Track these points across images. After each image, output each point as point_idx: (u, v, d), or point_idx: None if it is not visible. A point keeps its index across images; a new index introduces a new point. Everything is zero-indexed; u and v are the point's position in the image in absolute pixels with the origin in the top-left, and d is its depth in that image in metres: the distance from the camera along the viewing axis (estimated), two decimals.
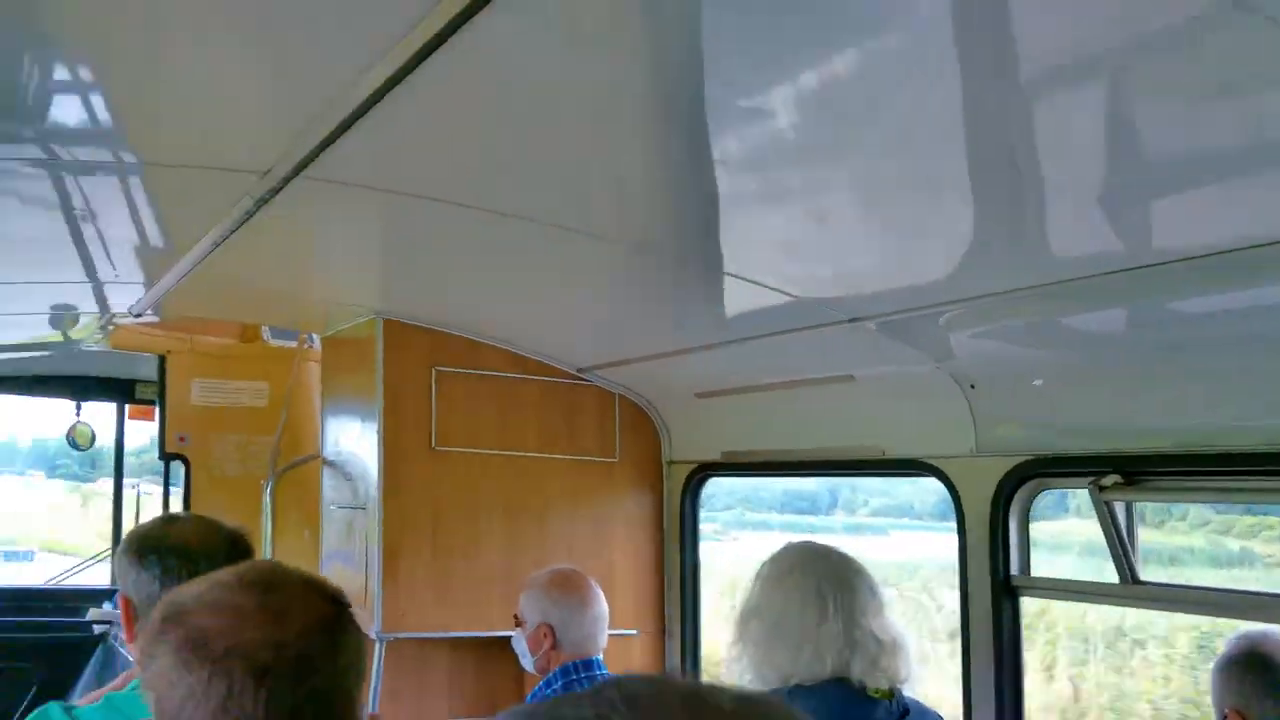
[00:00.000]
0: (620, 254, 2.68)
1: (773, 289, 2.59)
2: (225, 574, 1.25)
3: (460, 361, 3.86)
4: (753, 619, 2.38)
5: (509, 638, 3.17)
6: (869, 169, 1.92)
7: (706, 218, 2.36)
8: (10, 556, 9.33)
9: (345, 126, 1.88)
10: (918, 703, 2.34)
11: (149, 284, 3.82)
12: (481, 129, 1.98)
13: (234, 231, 2.68)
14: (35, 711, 1.93)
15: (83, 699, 2.17)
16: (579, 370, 3.97)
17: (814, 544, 2.48)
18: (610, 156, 2.10)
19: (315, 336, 5.00)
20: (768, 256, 2.50)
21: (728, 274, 2.65)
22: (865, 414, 3.21)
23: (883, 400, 3.12)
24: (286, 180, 2.23)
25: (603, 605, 3.12)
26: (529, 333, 3.81)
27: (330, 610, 1.24)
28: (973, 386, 2.76)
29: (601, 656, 3.10)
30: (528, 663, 3.14)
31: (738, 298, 2.83)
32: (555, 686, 3.04)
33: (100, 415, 6.82)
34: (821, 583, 2.33)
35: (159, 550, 1.97)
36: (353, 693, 1.23)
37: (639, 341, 3.55)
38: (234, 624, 1.15)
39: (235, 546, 2.04)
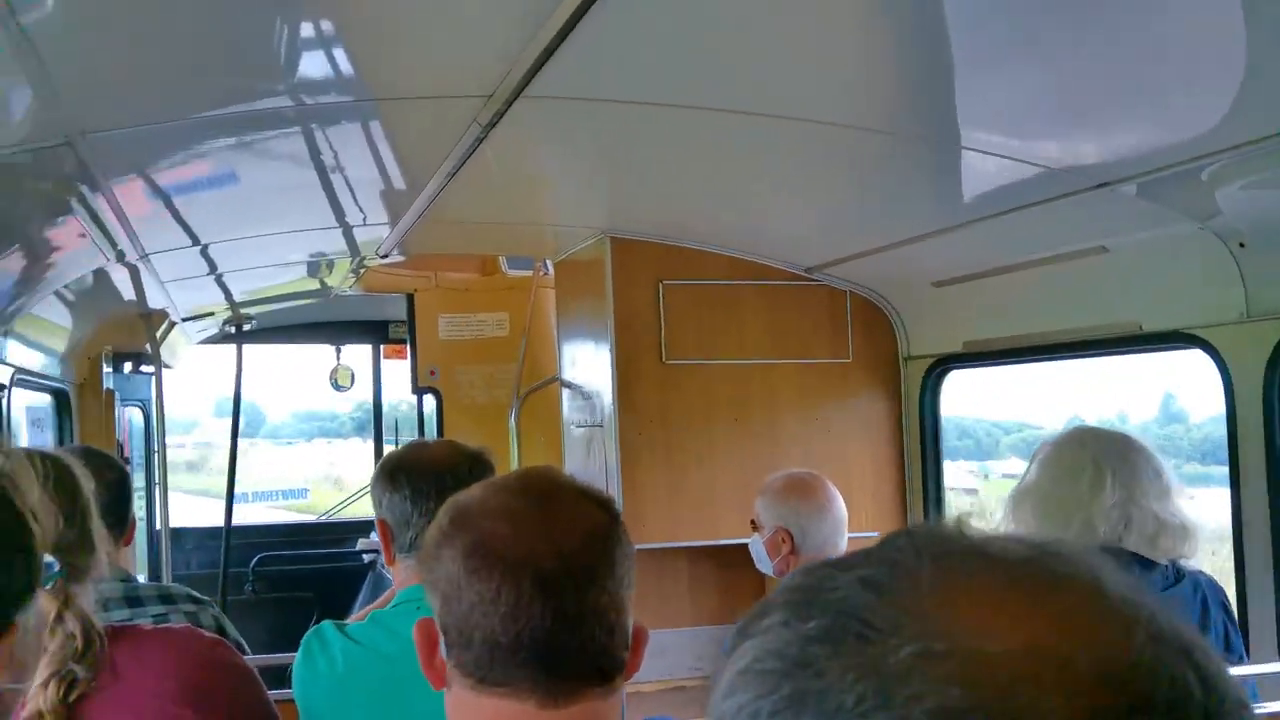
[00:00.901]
0: (850, 140, 2.60)
1: (1016, 160, 2.45)
2: (508, 479, 1.27)
3: (686, 273, 3.88)
4: (1026, 498, 2.31)
5: (746, 545, 3.21)
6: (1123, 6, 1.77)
7: (942, 90, 2.25)
8: (288, 494, 10.19)
9: (561, 37, 1.89)
10: (1197, 571, 2.22)
11: (392, 224, 4.04)
12: (700, 25, 1.96)
13: (465, 160, 2.77)
14: (311, 630, 2.07)
15: (351, 618, 2.34)
16: (807, 270, 3.92)
17: (1097, 426, 2.38)
18: (837, 34, 2.02)
19: (549, 263, 5.16)
20: (1010, 124, 2.36)
21: (966, 148, 2.53)
22: (1119, 288, 3.01)
23: (1138, 271, 2.92)
24: (509, 101, 2.28)
25: (841, 508, 3.10)
26: (754, 236, 3.78)
27: (605, 519, 1.24)
28: (1242, 245, 2.54)
29: None
30: (766, 567, 3.16)
31: (977, 174, 2.70)
32: None
33: (358, 356, 7.32)
34: (1099, 456, 2.23)
35: (408, 472, 2.08)
36: (627, 603, 1.23)
37: (870, 233, 3.45)
38: (520, 533, 1.17)
39: (477, 463, 2.13)
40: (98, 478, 2.23)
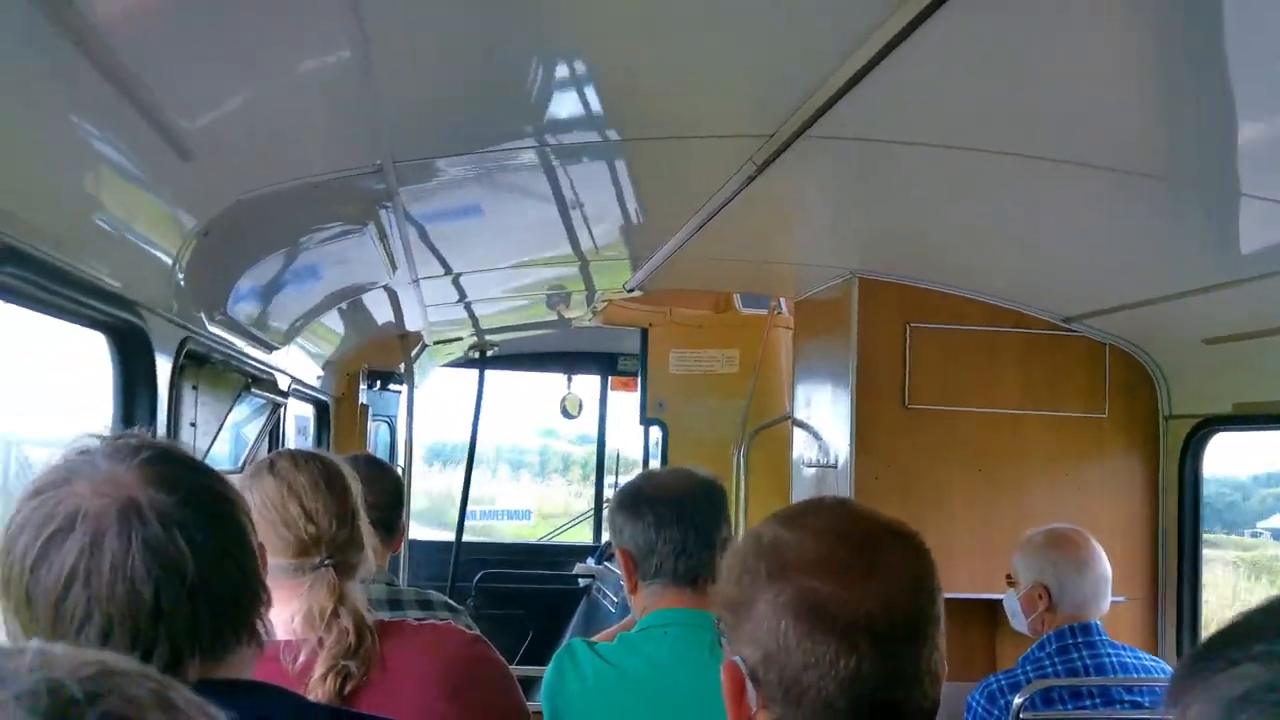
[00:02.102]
0: (1120, 185, 2.51)
1: None
2: (818, 519, 1.23)
3: (935, 317, 3.82)
4: None
5: (980, 600, 3.10)
6: None
7: (1223, 133, 2.15)
8: (512, 515, 10.57)
9: (857, 79, 1.91)
10: None
11: (638, 260, 4.17)
12: (987, 75, 1.95)
13: (730, 200, 2.84)
14: (563, 647, 2.13)
15: (598, 636, 2.39)
16: (1065, 320, 3.78)
17: None
18: (1116, 77, 1.97)
19: (784, 302, 5.18)
20: None
21: (1247, 195, 2.39)
22: None
23: None
24: (790, 142, 2.32)
25: (1104, 566, 2.97)
26: (1011, 282, 3.68)
27: (925, 562, 1.22)
28: None
29: (1101, 621, 2.96)
30: (1020, 623, 3.06)
31: (1261, 224, 2.55)
32: (1049, 650, 2.94)
33: (586, 387, 7.55)
34: None
35: (650, 501, 2.12)
36: (942, 647, 1.20)
37: (1138, 284, 3.30)
38: (852, 592, 1.14)
39: (711, 491, 2.18)
40: (377, 485, 2.39)
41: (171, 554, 1.09)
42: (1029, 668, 2.90)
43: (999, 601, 3.30)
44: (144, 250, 2.25)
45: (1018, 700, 2.66)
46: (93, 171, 1.92)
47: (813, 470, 4.29)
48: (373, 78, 1.92)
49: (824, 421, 4.16)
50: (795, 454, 4.57)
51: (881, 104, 2.09)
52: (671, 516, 2.10)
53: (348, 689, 1.73)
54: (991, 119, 2.23)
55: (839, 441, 3.96)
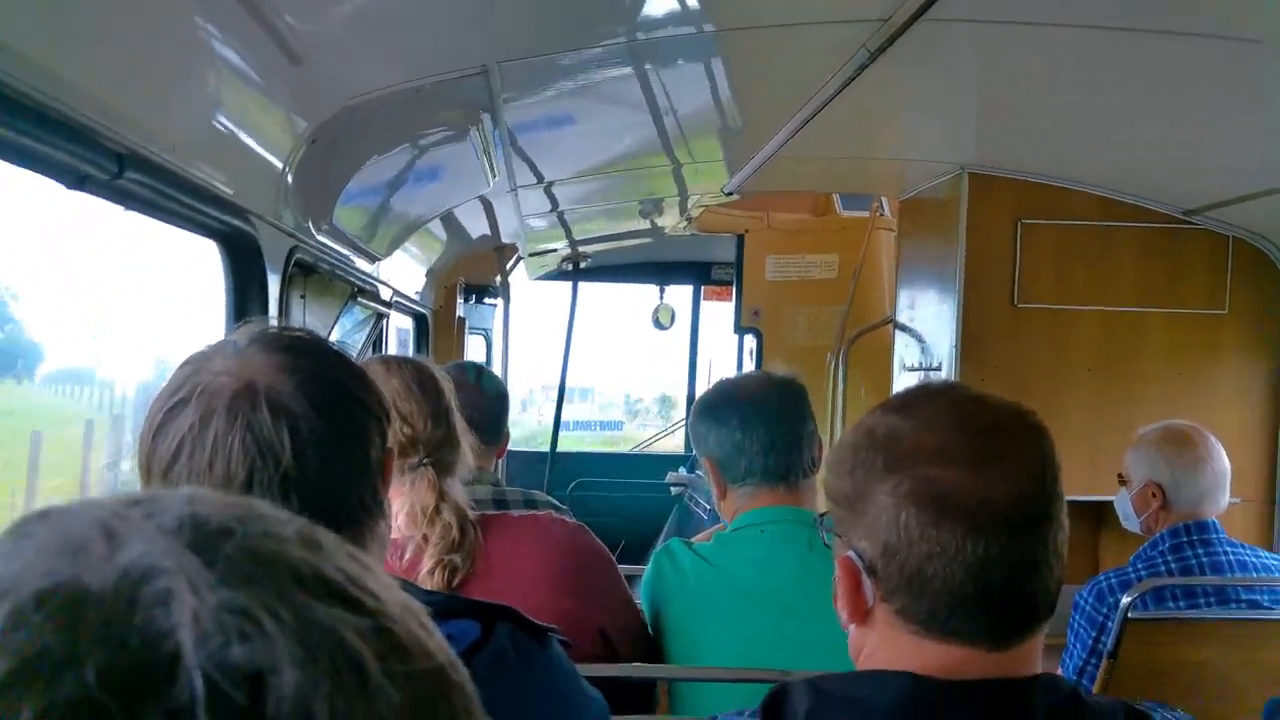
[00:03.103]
0: (1250, 61, 2.36)
1: None
2: (933, 408, 1.19)
3: (1048, 212, 3.69)
4: None
5: (1086, 503, 3.03)
6: None
7: None
8: (605, 425, 10.70)
9: None
10: None
11: (732, 165, 4.09)
12: None
13: (838, 93, 2.74)
14: (660, 547, 2.15)
15: (697, 537, 2.40)
16: (1185, 213, 3.62)
17: None
18: None
19: (886, 203, 5.06)
20: None
21: None
22: None
23: None
24: (907, 25, 2.22)
25: (1222, 463, 2.87)
26: (1129, 173, 3.52)
27: (1046, 442, 1.17)
28: None
29: (1217, 519, 2.87)
30: (1132, 524, 2.98)
31: None
32: (1162, 549, 2.87)
33: (678, 297, 7.52)
34: None
35: (735, 405, 2.11)
36: (1066, 525, 1.17)
37: (1265, 172, 3.14)
38: (977, 478, 1.11)
39: (791, 388, 2.15)
40: (481, 391, 2.41)
41: (270, 440, 1.07)
42: (1140, 566, 2.83)
43: (1106, 504, 3.23)
44: (255, 156, 2.27)
45: (1126, 599, 2.60)
46: (207, 77, 1.93)
47: (915, 375, 4.22)
48: None
49: (927, 324, 4.08)
50: (896, 359, 4.50)
51: None
52: (756, 417, 2.08)
53: (455, 581, 1.78)
54: None
55: (942, 344, 3.88)
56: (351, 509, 1.15)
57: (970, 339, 3.74)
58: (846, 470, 1.20)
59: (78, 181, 1.59)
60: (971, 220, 3.70)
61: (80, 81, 1.50)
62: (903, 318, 4.39)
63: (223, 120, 2.07)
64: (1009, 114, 3.20)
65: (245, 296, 2.40)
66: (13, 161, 1.50)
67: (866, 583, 1.16)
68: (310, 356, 1.16)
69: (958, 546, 1.10)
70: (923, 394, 1.24)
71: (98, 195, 1.68)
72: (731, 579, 2.01)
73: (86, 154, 1.52)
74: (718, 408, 2.14)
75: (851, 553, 1.17)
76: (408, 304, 4.72)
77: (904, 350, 4.39)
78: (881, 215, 5.20)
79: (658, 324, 7.37)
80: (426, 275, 5.06)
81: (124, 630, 0.36)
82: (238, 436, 1.07)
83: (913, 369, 4.24)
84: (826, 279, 5.84)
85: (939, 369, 3.93)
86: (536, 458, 7.30)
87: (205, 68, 1.91)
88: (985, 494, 1.11)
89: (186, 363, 1.13)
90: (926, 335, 4.09)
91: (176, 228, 2.10)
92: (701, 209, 5.31)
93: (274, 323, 1.20)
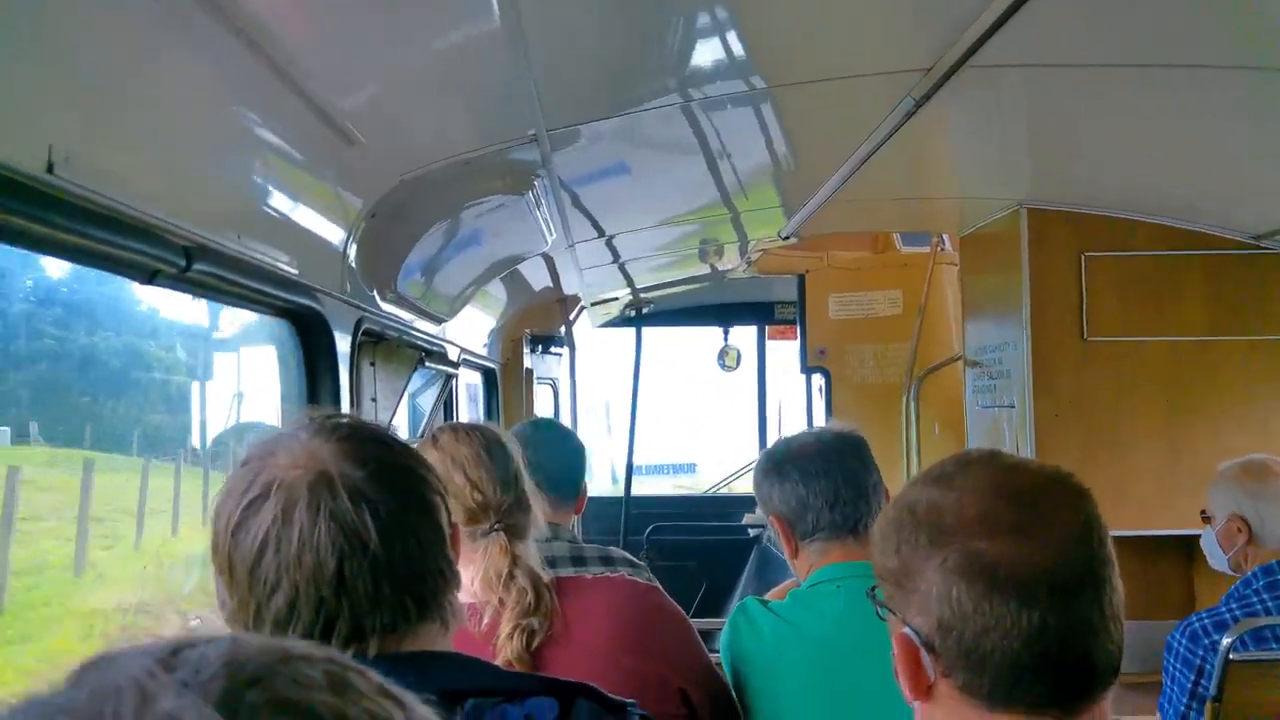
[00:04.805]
0: None
1: None
2: (974, 477, 1.19)
3: (1111, 244, 3.64)
4: None
5: (1173, 537, 2.95)
6: None
7: None
8: (678, 469, 10.66)
9: (1019, 3, 1.82)
10: None
11: (789, 209, 4.10)
12: None
13: (888, 139, 2.75)
14: (736, 607, 2.13)
15: (770, 594, 2.38)
16: (1256, 238, 3.54)
17: None
18: None
19: (946, 238, 5.02)
20: None
21: None
22: None
23: None
24: (950, 73, 2.22)
25: None
26: (1193, 202, 3.46)
27: (1088, 505, 1.17)
28: None
29: None
30: (1219, 562, 2.90)
31: None
32: (1257, 587, 2.78)
33: (742, 338, 7.52)
34: None
35: (790, 459, 2.11)
36: (1120, 587, 1.17)
37: None
38: (1023, 548, 1.11)
39: (848, 440, 2.13)
40: (558, 449, 2.44)
41: (355, 527, 1.11)
42: (1235, 605, 2.75)
43: (1195, 539, 3.14)
44: (316, 236, 2.34)
45: (1226, 640, 2.52)
46: (267, 165, 2.00)
47: (988, 411, 4.16)
48: (524, 48, 1.93)
49: (998, 360, 4.03)
50: (968, 396, 4.45)
51: (1048, 25, 1.98)
52: (816, 469, 2.08)
53: (534, 645, 1.80)
54: (1169, 30, 2.07)
55: (1015, 380, 3.83)
56: (432, 583, 1.18)
57: (1042, 375, 3.69)
58: (892, 548, 1.20)
59: (148, 277, 1.66)
60: (1033, 255, 3.66)
61: (145, 183, 1.57)
62: (972, 354, 4.34)
63: (284, 204, 2.14)
64: (1063, 150, 3.17)
65: (316, 369, 2.47)
66: (87, 264, 1.57)
67: (926, 659, 1.15)
68: (371, 442, 1.20)
69: (1012, 619, 1.09)
70: (961, 464, 1.23)
71: (168, 288, 1.75)
72: (809, 637, 2.00)
73: (155, 251, 1.58)
74: (778, 464, 2.13)
75: (907, 630, 1.17)
76: (475, 360, 4.79)
77: (976, 387, 4.34)
78: (943, 250, 5.16)
79: (724, 366, 7.37)
80: (492, 331, 5.14)
81: None
82: (323, 526, 1.10)
83: (986, 407, 4.18)
84: (891, 315, 5.80)
85: (1012, 405, 3.88)
86: (610, 504, 7.30)
87: (264, 157, 1.98)
88: (1033, 563, 1.10)
89: (249, 459, 1.17)
90: (997, 372, 4.04)
91: (245, 310, 2.18)
92: (761, 252, 5.32)
93: (323, 411, 1.23)
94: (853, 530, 2.07)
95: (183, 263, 1.67)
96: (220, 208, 1.86)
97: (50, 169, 1.28)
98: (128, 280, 1.70)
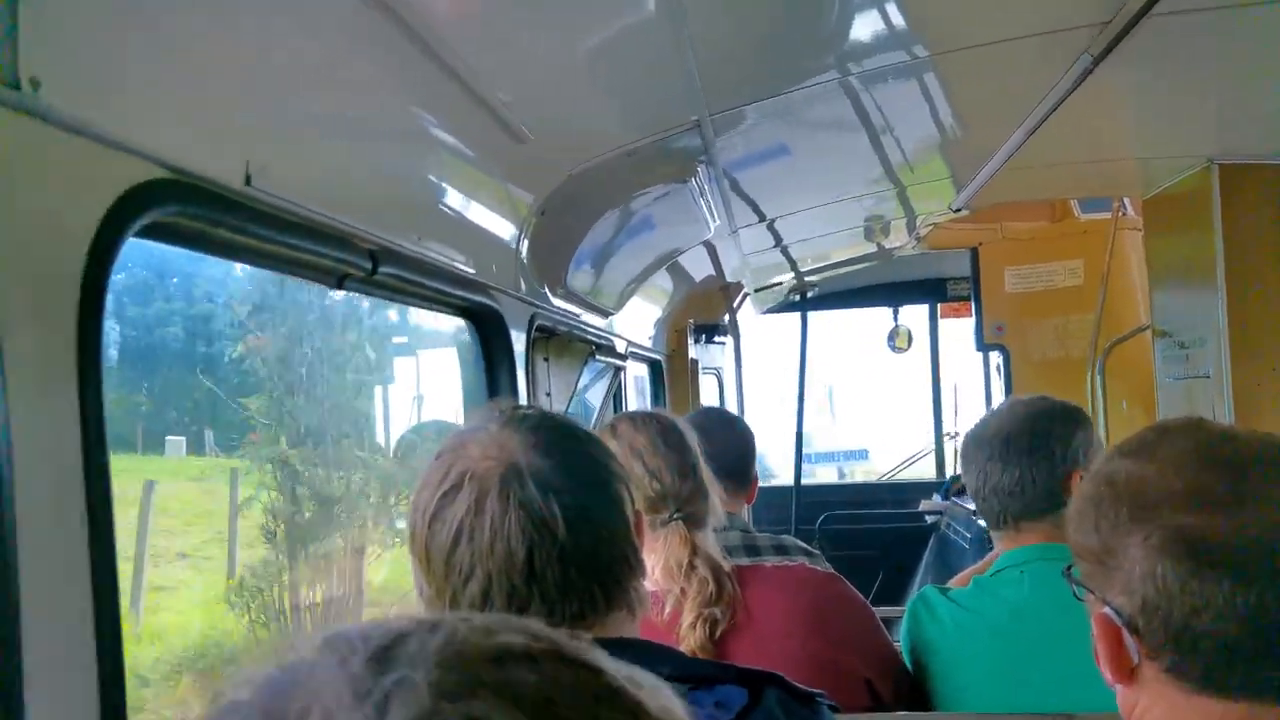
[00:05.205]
0: None
1: None
2: (1175, 449, 1.12)
3: None
4: None
5: None
6: None
7: None
8: (850, 456, 10.49)
9: None
10: None
11: (958, 180, 3.97)
12: None
13: (1062, 101, 2.63)
14: (916, 595, 2.08)
15: (952, 581, 2.30)
16: None
17: None
18: None
19: (1129, 202, 4.77)
20: None
21: None
22: None
23: None
24: (1130, 25, 2.11)
25: None
26: None
27: None
28: None
29: None
30: None
31: None
32: None
33: (913, 317, 7.34)
34: None
35: (980, 444, 2.03)
36: None
37: None
38: (1232, 521, 1.04)
39: (1038, 418, 2.02)
40: (728, 438, 2.43)
41: (544, 516, 1.13)
42: None
43: None
44: (490, 235, 2.41)
45: None
46: (443, 167, 2.07)
47: (1180, 383, 3.93)
48: (685, 30, 1.93)
49: (1190, 329, 3.80)
50: (1158, 367, 4.21)
51: None
52: (1003, 454, 1.99)
53: (717, 634, 1.79)
54: None
55: (1210, 349, 3.60)
56: (619, 570, 1.20)
57: (1240, 341, 3.46)
58: (1090, 525, 1.15)
59: (338, 282, 1.74)
60: (1227, 214, 3.43)
61: (333, 191, 1.64)
62: (1161, 323, 4.10)
63: (460, 205, 2.21)
64: (1257, 99, 2.96)
65: (495, 367, 2.54)
66: (281, 271, 1.66)
67: (1129, 641, 1.10)
68: (558, 433, 1.22)
69: (1225, 598, 1.03)
70: (1161, 433, 1.17)
71: (355, 292, 1.83)
72: (991, 624, 1.94)
73: (344, 256, 1.66)
74: (969, 449, 2.07)
75: (1108, 609, 1.11)
76: (642, 352, 4.84)
77: (1166, 358, 4.11)
78: (1125, 215, 4.90)
79: (894, 347, 7.20)
80: (656, 322, 5.18)
81: None
82: (513, 516, 1.13)
83: (1179, 378, 3.95)
84: (1072, 286, 5.54)
85: (1208, 376, 3.65)
86: (780, 493, 7.24)
87: (440, 159, 2.05)
88: (1246, 537, 1.03)
89: (442, 452, 1.21)
90: (1190, 341, 3.81)
91: (426, 310, 2.26)
92: (930, 226, 5.17)
93: (511, 403, 1.26)
94: (1043, 513, 1.98)
95: (369, 266, 1.75)
96: (401, 211, 1.93)
97: (248, 181, 1.36)
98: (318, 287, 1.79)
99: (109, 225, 1.12)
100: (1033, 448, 1.98)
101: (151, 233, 1.24)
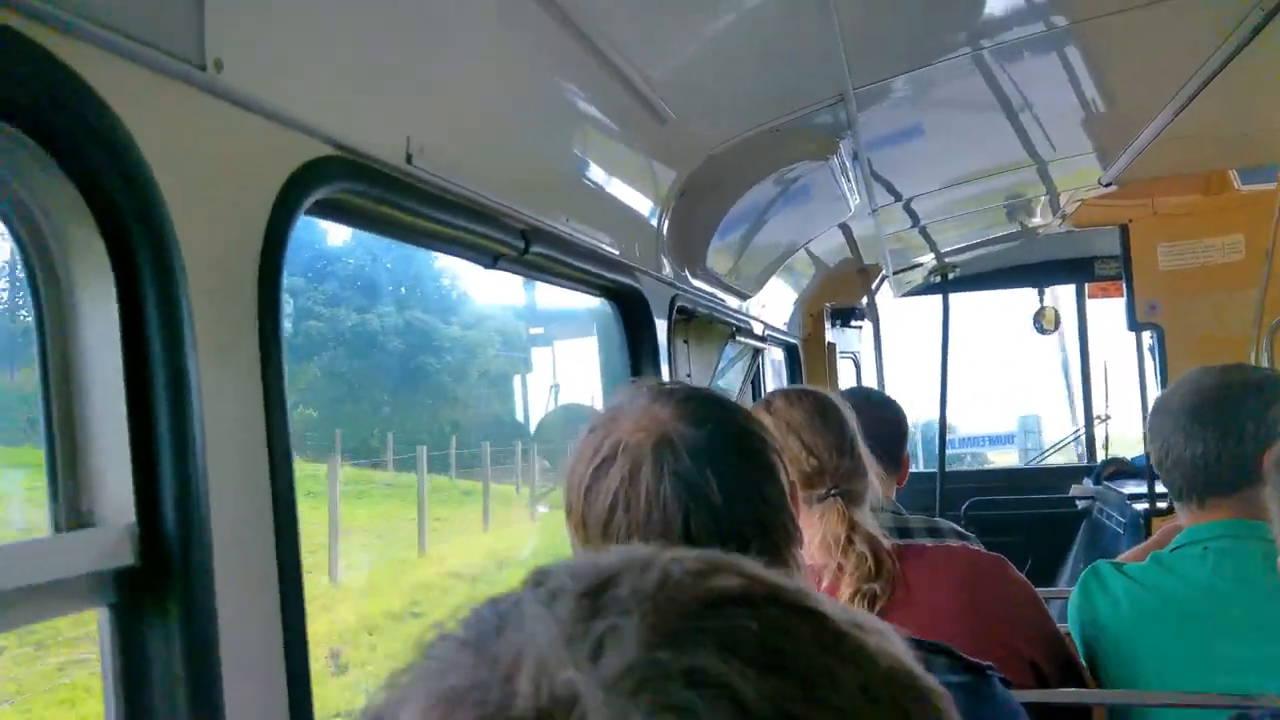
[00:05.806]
0: None
1: None
2: None
3: None
4: None
5: None
6: None
7: None
8: (995, 440, 10.19)
9: None
10: None
11: (1104, 155, 3.82)
12: None
13: (1226, 63, 2.50)
14: (1087, 570, 2.01)
15: (1123, 556, 2.21)
16: None
17: None
18: None
19: None
20: None
21: None
22: None
23: None
24: None
25: None
26: None
27: None
28: None
29: None
30: None
31: None
32: None
33: (1059, 298, 7.08)
34: None
35: (1166, 413, 1.95)
36: None
37: None
38: None
39: (1232, 387, 1.91)
40: (880, 418, 2.39)
41: (699, 484, 1.13)
42: None
43: None
44: (634, 215, 2.43)
45: None
46: (589, 147, 2.10)
47: None
48: (830, 6, 1.91)
49: None
50: None
51: None
52: (1189, 425, 1.89)
53: (875, 609, 1.77)
54: None
55: None
56: (778, 537, 1.20)
57: None
58: None
59: (491, 261, 1.78)
60: None
61: (487, 169, 1.68)
62: None
63: (604, 185, 2.24)
64: None
65: (638, 348, 2.56)
66: (437, 249, 1.71)
67: None
68: (708, 404, 1.23)
69: None
70: None
71: (508, 271, 1.87)
72: (1170, 601, 1.86)
73: (498, 235, 1.70)
74: (1154, 419, 1.98)
75: None
76: (778, 335, 4.81)
77: None
78: None
79: (1040, 329, 6.96)
80: (793, 305, 5.13)
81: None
82: (668, 485, 1.14)
83: None
84: (1232, 262, 5.25)
85: None
86: (924, 479, 7.09)
87: (587, 139, 2.08)
88: None
89: (594, 425, 1.23)
90: None
91: (572, 290, 2.30)
92: (1077, 203, 4.98)
93: (658, 379, 1.28)
94: (1231, 487, 1.88)
95: (521, 245, 1.79)
96: (550, 191, 1.96)
97: (409, 159, 1.41)
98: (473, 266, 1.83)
99: (283, 201, 1.17)
100: (1221, 420, 1.89)
101: (320, 209, 1.30)
